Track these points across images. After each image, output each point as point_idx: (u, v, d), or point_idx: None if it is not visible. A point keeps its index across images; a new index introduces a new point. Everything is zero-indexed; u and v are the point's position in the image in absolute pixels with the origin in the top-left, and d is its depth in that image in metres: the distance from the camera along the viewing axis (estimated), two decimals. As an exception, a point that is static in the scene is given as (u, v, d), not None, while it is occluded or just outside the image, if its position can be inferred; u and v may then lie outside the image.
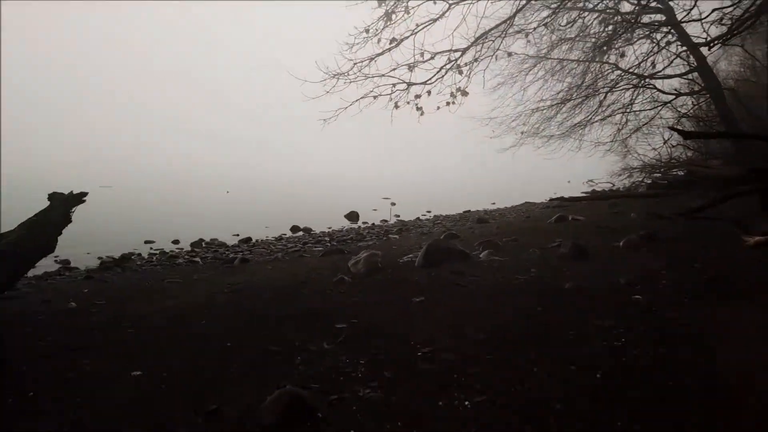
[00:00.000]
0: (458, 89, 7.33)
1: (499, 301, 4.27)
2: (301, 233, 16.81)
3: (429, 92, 7.30)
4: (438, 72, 7.30)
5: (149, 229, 15.91)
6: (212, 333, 3.83)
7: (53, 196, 5.60)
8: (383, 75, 7.10)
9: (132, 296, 5.69)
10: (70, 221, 5.63)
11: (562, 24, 9.54)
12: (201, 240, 13.92)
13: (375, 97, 7.13)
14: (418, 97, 7.26)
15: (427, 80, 7.35)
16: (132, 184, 44.62)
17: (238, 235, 15.39)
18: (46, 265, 9.65)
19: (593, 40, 10.50)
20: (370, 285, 5.24)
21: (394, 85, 7.19)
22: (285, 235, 16.22)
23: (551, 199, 24.28)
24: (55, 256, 10.33)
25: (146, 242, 13.35)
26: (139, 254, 11.49)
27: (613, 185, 23.88)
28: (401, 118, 7.37)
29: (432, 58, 7.17)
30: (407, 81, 7.20)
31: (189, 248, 12.93)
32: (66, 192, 5.73)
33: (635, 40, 10.53)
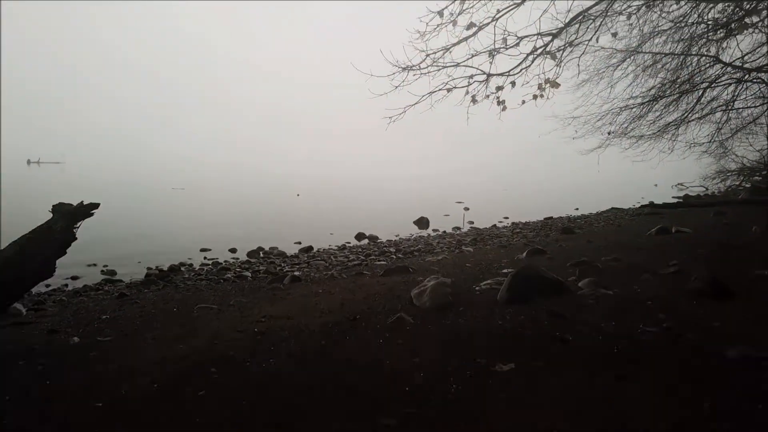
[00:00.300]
0: (548, 80, 5.86)
1: (625, 377, 2.82)
2: (366, 241, 15.73)
3: (513, 83, 5.89)
4: (524, 59, 5.87)
5: (210, 233, 15.46)
6: (195, 422, 2.59)
7: (58, 208, 4.68)
8: (459, 65, 5.78)
9: (144, 331, 4.66)
10: (75, 238, 4.72)
11: (661, 10, 7.89)
12: (259, 249, 13.15)
13: (449, 90, 5.81)
14: (500, 89, 5.87)
15: (509, 70, 5.94)
16: (204, 185, 45.79)
17: (300, 243, 14.50)
18: (90, 275, 9.14)
19: (691, 30, 8.74)
20: (437, 332, 3.89)
21: (471, 76, 5.84)
22: (349, 243, 15.20)
23: (642, 206, 21.97)
24: (104, 266, 9.83)
25: (202, 250, 12.73)
26: (191, 265, 10.81)
27: (707, 189, 21.16)
28: (478, 113, 6.01)
29: (517, 44, 5.75)
30: (486, 71, 5.82)
31: (245, 257, 12.16)
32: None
33: (741, 29, 8.63)
